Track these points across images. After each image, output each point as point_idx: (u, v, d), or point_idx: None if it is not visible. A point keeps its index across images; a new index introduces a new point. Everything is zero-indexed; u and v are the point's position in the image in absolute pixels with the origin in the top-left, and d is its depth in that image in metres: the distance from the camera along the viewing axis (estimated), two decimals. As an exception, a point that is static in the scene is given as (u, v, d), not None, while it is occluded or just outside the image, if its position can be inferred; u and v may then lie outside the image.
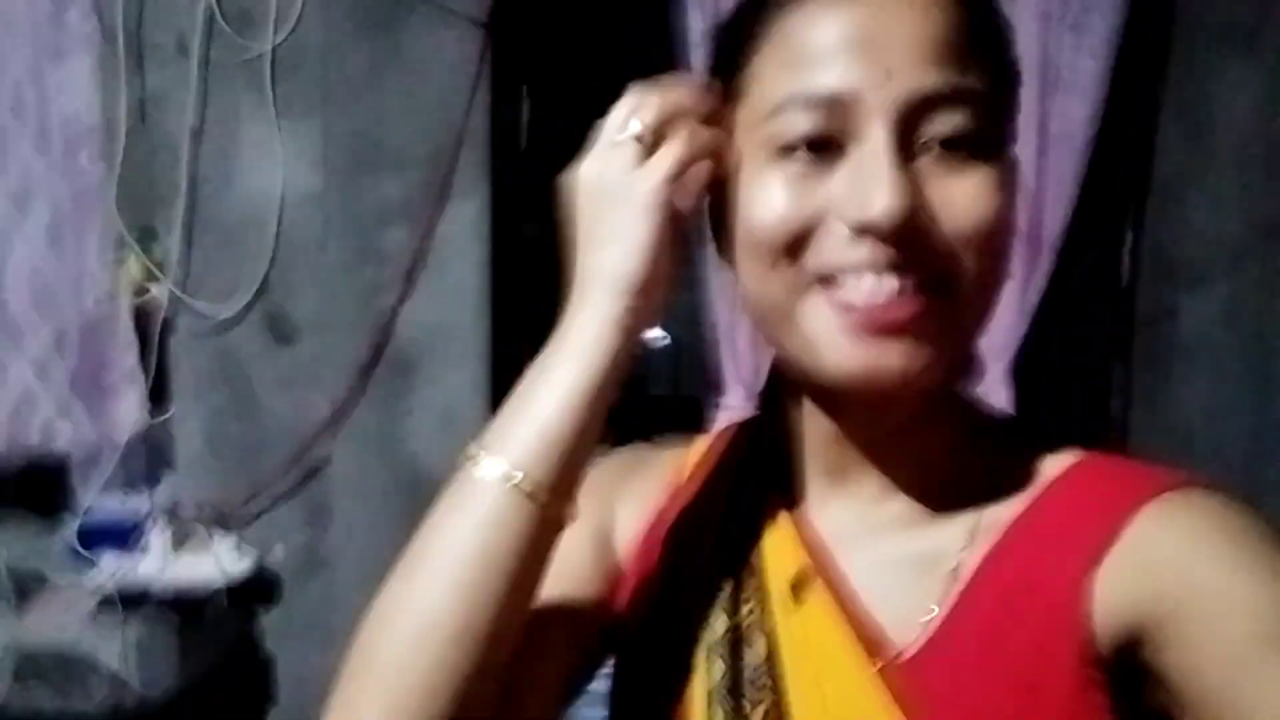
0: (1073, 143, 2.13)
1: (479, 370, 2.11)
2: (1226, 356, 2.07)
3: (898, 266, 0.55)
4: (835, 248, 0.56)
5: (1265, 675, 0.47)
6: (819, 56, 0.56)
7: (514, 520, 0.59)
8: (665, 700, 0.66)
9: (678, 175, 0.60)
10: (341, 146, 2.08)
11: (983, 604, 0.58)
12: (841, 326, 0.56)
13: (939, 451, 0.64)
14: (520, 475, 0.59)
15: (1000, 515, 0.60)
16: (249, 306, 2.13)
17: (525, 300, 2.32)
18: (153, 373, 2.15)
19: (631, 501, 0.76)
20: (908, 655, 0.59)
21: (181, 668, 1.96)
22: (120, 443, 2.13)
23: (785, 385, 0.68)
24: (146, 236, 2.12)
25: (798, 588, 0.63)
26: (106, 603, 1.95)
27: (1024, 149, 2.14)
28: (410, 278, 2.06)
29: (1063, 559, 0.55)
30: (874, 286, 0.55)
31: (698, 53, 2.10)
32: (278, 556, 2.21)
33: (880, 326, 0.55)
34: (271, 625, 2.24)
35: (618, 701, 0.71)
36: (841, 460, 0.65)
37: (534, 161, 2.30)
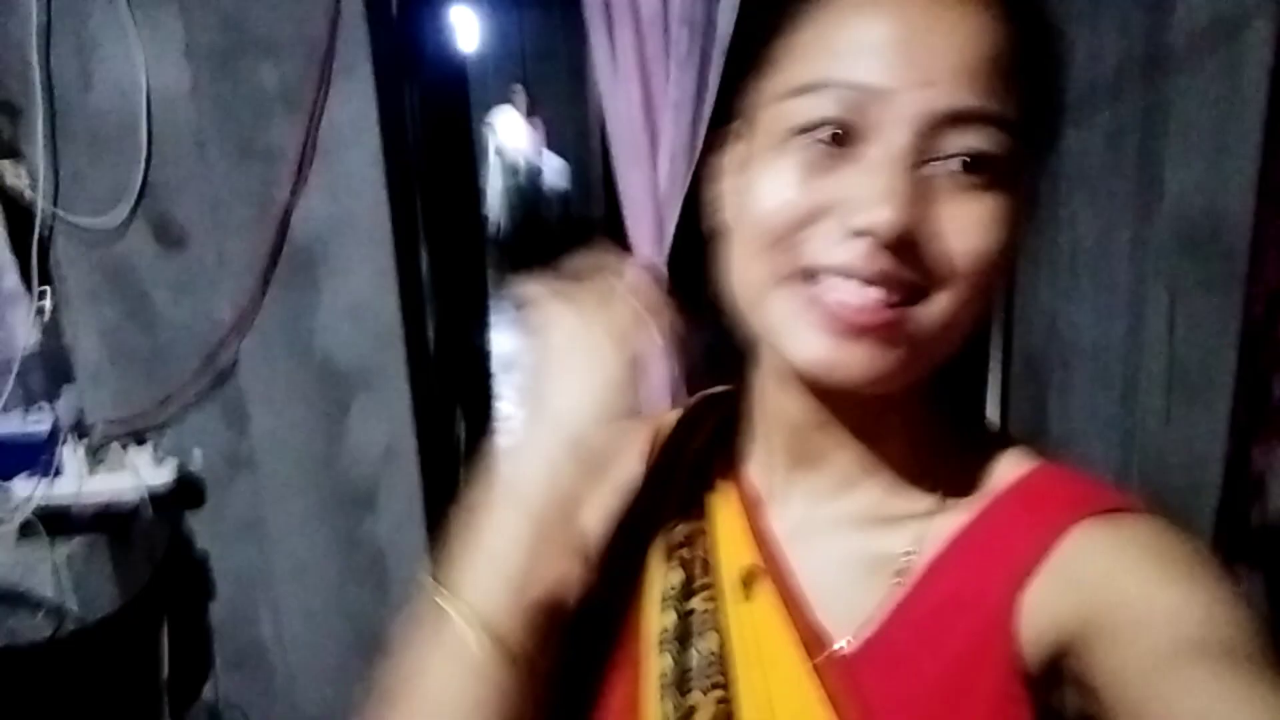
0: None
1: (384, 259, 2.07)
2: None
3: (884, 277, 0.54)
4: (827, 245, 0.55)
5: (1186, 681, 0.48)
6: (860, 47, 0.54)
7: (494, 672, 0.60)
8: (613, 692, 0.67)
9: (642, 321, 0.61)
10: (206, 34, 1.96)
11: (921, 610, 0.60)
12: (811, 321, 0.56)
13: (905, 451, 0.65)
14: (493, 625, 0.60)
15: (950, 523, 0.62)
16: (132, 214, 2.03)
17: (422, 183, 2.27)
18: (38, 289, 2.06)
19: (601, 488, 0.77)
20: (846, 653, 0.61)
21: (117, 584, 1.95)
22: (14, 361, 2.06)
23: (758, 362, 0.68)
24: (6, 151, 1.99)
25: (748, 582, 0.65)
26: (28, 529, 1.92)
27: None
28: (301, 170, 1.98)
29: (995, 576, 0.57)
30: (853, 291, 0.55)
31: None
32: (197, 462, 2.20)
33: (849, 328, 0.55)
34: (201, 527, 2.24)
35: (566, 692, 0.70)
36: (804, 447, 0.66)
37: (410, 34, 2.20)
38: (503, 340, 6.42)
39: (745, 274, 0.60)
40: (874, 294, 0.54)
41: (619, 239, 2.27)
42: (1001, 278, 0.57)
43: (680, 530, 0.71)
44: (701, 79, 2.19)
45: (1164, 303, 2.14)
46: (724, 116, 0.66)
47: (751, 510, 0.69)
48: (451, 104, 4.26)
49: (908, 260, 0.54)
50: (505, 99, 8.82)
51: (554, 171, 9.11)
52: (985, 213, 0.55)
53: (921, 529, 0.62)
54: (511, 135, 8.73)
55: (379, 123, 2.00)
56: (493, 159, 8.57)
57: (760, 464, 0.71)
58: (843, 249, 0.55)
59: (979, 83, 0.53)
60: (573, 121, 9.82)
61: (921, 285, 0.55)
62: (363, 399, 2.15)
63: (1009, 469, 0.63)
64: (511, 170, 8.74)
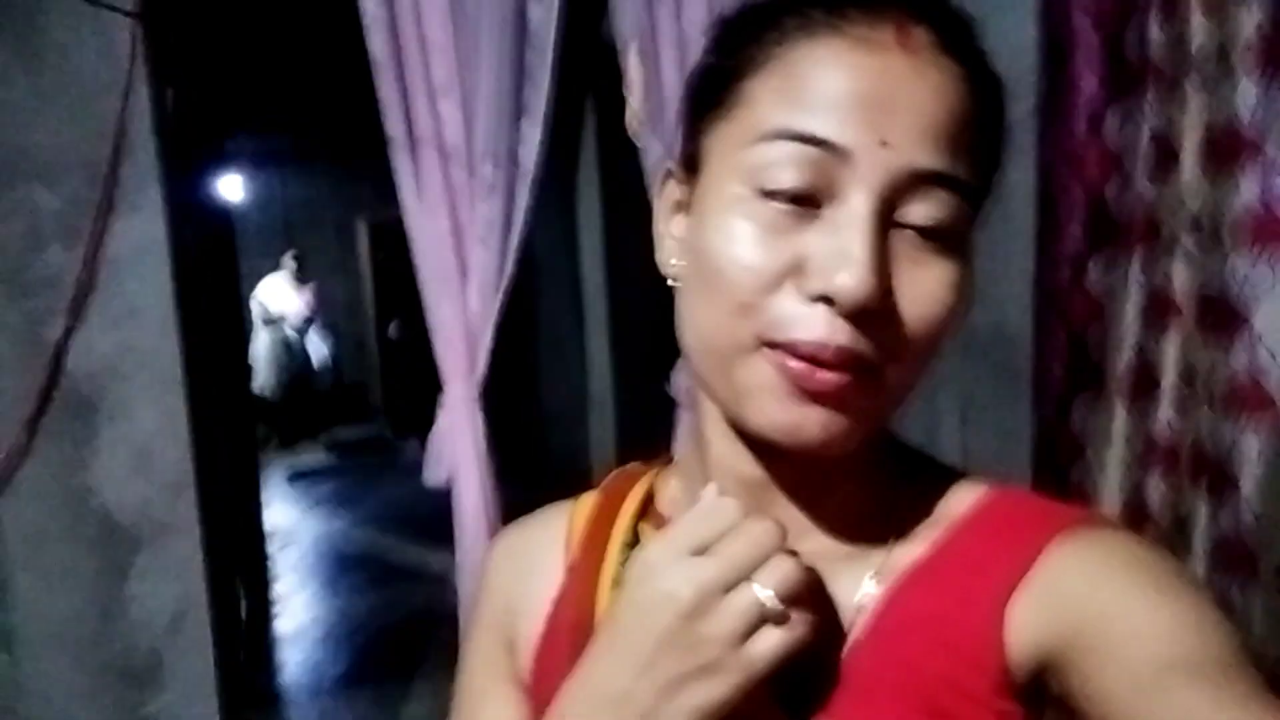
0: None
1: (173, 400, 1.89)
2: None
3: (844, 355, 0.54)
4: (791, 308, 0.54)
5: (1172, 700, 0.48)
6: (820, 101, 0.54)
7: None
8: None
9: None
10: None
11: (892, 637, 0.59)
12: (778, 386, 0.55)
13: (857, 493, 0.65)
14: None
15: (910, 552, 0.62)
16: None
17: (217, 316, 2.11)
18: None
19: (528, 594, 0.73)
20: (820, 695, 0.59)
21: None
22: None
23: (704, 417, 0.66)
24: None
25: None
26: None
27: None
28: (79, 304, 1.80)
29: (975, 593, 0.57)
30: (813, 350, 0.54)
31: (375, 37, 2.02)
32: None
33: (809, 393, 0.55)
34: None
35: None
36: (754, 500, 0.63)
37: (206, 161, 2.10)
38: (275, 514, 6.07)
39: (708, 337, 0.59)
40: (835, 353, 0.54)
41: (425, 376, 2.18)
42: (946, 341, 0.58)
43: None
44: (508, 209, 2.20)
45: (956, 411, 2.27)
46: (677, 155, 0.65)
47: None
48: (222, 262, 4.11)
49: (867, 328, 0.54)
50: (271, 266, 8.60)
51: (320, 340, 8.89)
52: (940, 279, 0.55)
53: (882, 560, 0.62)
54: (280, 301, 8.48)
55: (169, 250, 1.86)
56: (259, 326, 8.25)
57: None
58: (806, 311, 0.54)
59: (936, 145, 0.54)
60: (342, 288, 9.71)
61: (877, 349, 0.54)
62: (146, 559, 1.92)
63: (963, 496, 0.63)
64: (280, 339, 8.44)
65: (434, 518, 4.79)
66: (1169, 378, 1.61)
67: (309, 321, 8.81)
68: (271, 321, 8.41)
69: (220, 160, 4.15)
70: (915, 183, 0.53)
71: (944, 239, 0.55)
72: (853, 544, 0.64)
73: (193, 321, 1.99)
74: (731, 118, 0.58)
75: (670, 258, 0.64)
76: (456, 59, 2.11)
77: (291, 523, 6.13)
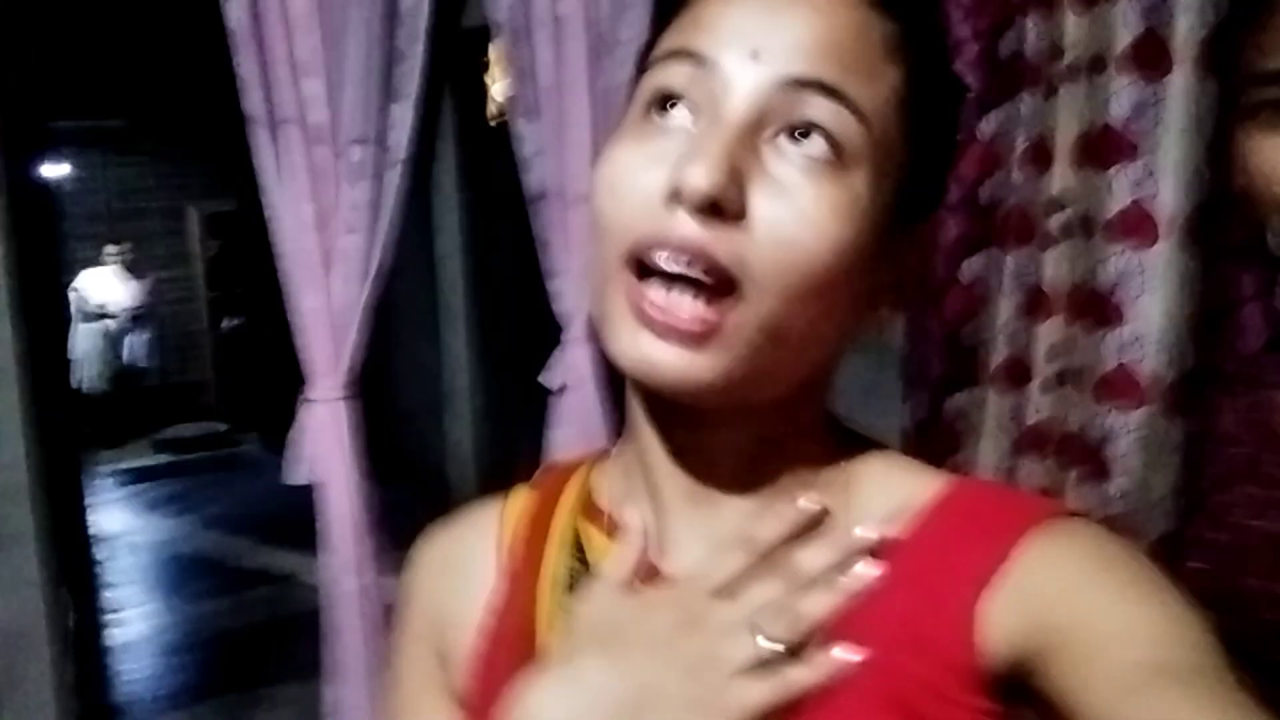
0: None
1: (6, 399, 1.73)
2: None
3: (693, 250, 0.51)
4: (648, 214, 0.53)
5: (1148, 702, 0.48)
6: (700, 23, 0.55)
7: None
8: None
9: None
10: None
11: (861, 637, 0.56)
12: (632, 317, 0.54)
13: (799, 478, 0.62)
14: None
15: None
16: None
17: (44, 308, 1.95)
18: None
19: (460, 603, 0.69)
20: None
21: None
22: None
23: (637, 402, 0.63)
24: None
25: None
26: None
27: (578, 115, 2.22)
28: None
29: (947, 590, 0.55)
30: (665, 292, 0.52)
31: (234, 7, 1.91)
32: None
33: (660, 328, 0.53)
34: None
35: None
36: (693, 488, 0.62)
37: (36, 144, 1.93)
38: (103, 518, 5.70)
39: (591, 278, 0.58)
40: (686, 292, 0.52)
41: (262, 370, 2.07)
42: (833, 283, 0.53)
43: (567, 604, 0.64)
44: (377, 194, 2.12)
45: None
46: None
47: (644, 564, 0.62)
48: (46, 251, 3.81)
49: (724, 239, 0.51)
50: (94, 255, 8.09)
51: (146, 335, 8.42)
52: (815, 199, 0.52)
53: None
54: (103, 293, 7.98)
55: (6, 237, 1.70)
56: (78, 320, 7.75)
57: (648, 512, 0.64)
58: (660, 218, 0.52)
59: (819, 57, 0.53)
60: (170, 279, 9.21)
61: (737, 272, 0.51)
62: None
63: (923, 487, 0.61)
64: (102, 333, 7.95)
65: (278, 519, 4.62)
66: (1041, 368, 1.66)
67: (137, 317, 8.33)
68: (94, 315, 7.92)
69: (46, 143, 3.85)
70: (791, 91, 0.52)
71: (826, 156, 0.52)
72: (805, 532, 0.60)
73: (25, 314, 1.83)
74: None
75: None
76: (322, 35, 2.01)
77: (122, 527, 5.76)
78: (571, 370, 2.26)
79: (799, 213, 0.51)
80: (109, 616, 4.27)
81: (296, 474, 2.22)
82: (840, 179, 0.52)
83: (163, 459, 7.66)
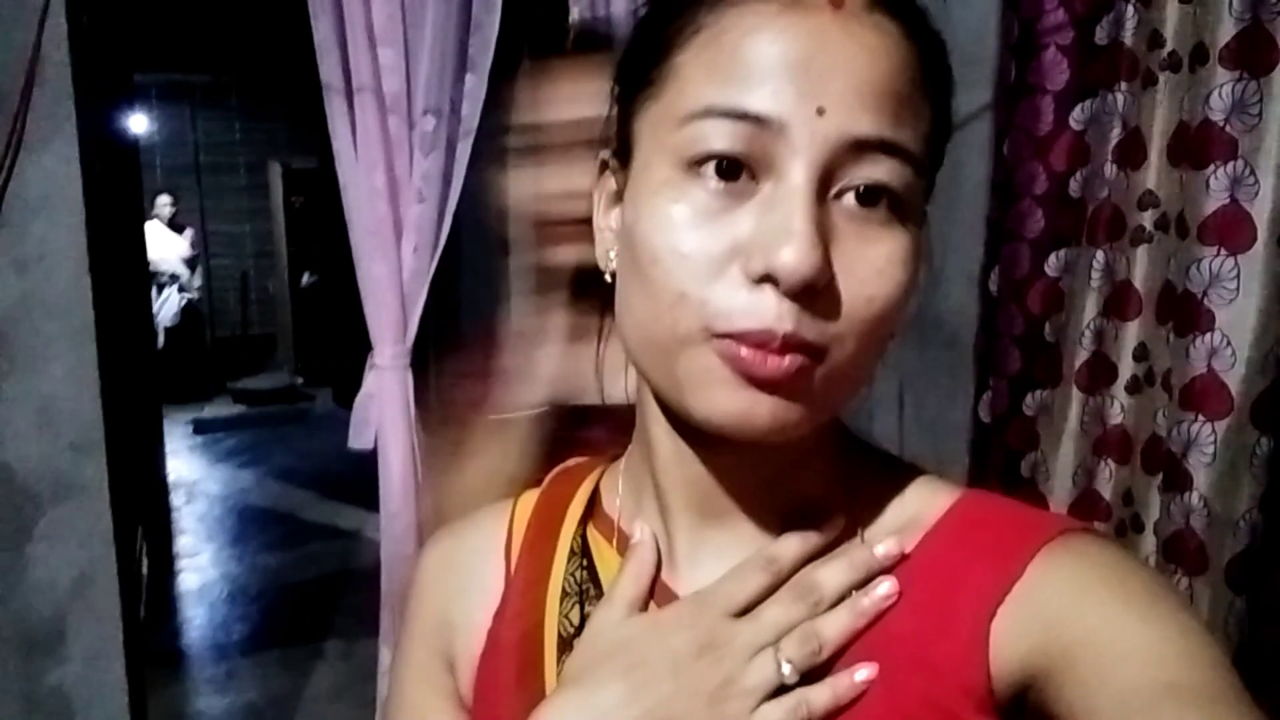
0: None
1: (83, 350, 1.77)
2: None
3: (789, 341, 0.50)
4: (733, 296, 0.51)
5: None
6: (750, 72, 0.50)
7: None
8: None
9: None
10: None
11: (870, 653, 0.55)
12: (721, 377, 0.52)
13: (815, 493, 0.61)
14: None
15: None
16: None
17: (126, 263, 1.99)
18: None
19: (465, 608, 0.68)
20: None
21: None
22: None
23: (650, 419, 0.61)
24: None
25: None
26: None
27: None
28: (-19, 243, 1.67)
29: (956, 607, 0.54)
30: (760, 339, 0.50)
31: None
32: None
33: (756, 380, 0.51)
34: None
35: None
36: (710, 503, 0.60)
37: (118, 96, 1.96)
38: (179, 466, 5.88)
39: (648, 329, 0.55)
40: (779, 338, 0.50)
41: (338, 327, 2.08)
42: (898, 320, 0.54)
43: (574, 616, 0.64)
44: (449, 165, 2.11)
45: (894, 393, 2.27)
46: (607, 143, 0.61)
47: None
48: (130, 205, 3.90)
49: (813, 307, 0.50)
50: (170, 213, 8.27)
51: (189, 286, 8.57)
52: (886, 253, 0.52)
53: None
54: (159, 248, 8.16)
55: (82, 191, 1.73)
56: (165, 269, 7.96)
57: (657, 526, 0.63)
58: (746, 294, 0.50)
59: (878, 109, 0.50)
60: (252, 233, 9.41)
61: (822, 330, 0.51)
62: (51, 520, 1.80)
63: (931, 499, 0.60)
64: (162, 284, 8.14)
65: (346, 474, 4.70)
66: (1127, 370, 1.61)
67: (191, 268, 8.52)
68: (183, 267, 8.14)
69: (129, 96, 3.93)
70: (855, 151, 0.50)
71: (890, 210, 0.52)
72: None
73: (104, 269, 1.87)
74: (661, 97, 0.54)
75: (609, 250, 0.61)
76: (399, 3, 2.01)
77: (196, 476, 5.93)
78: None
79: (876, 270, 0.52)
80: (180, 563, 4.41)
81: (362, 438, 2.25)
82: (902, 226, 0.53)
83: (237, 410, 7.86)
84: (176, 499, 5.32)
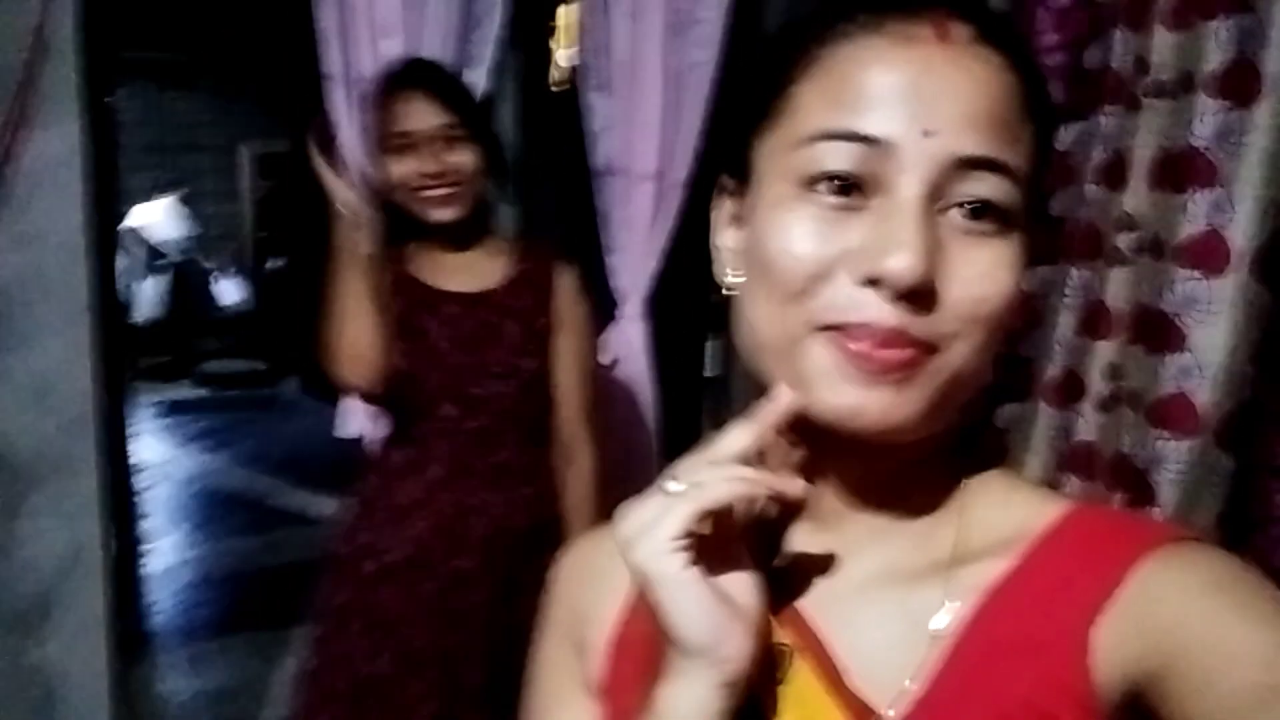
0: (698, 83, 2.25)
1: (79, 328, 1.78)
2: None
3: (896, 337, 0.54)
4: (843, 295, 0.55)
5: None
6: (863, 99, 0.55)
7: None
8: None
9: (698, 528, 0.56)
10: None
11: (972, 664, 0.57)
12: (838, 369, 0.55)
13: (922, 500, 0.63)
14: None
15: (987, 570, 0.60)
16: None
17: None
18: None
19: (597, 601, 0.71)
20: None
21: None
22: None
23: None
24: None
25: (779, 662, 0.61)
26: None
27: (650, 92, 2.23)
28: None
29: (1060, 615, 0.56)
30: (874, 331, 0.54)
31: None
32: None
33: (873, 368, 0.55)
34: None
35: None
36: (820, 508, 0.63)
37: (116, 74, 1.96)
38: (143, 448, 5.82)
39: (763, 331, 0.59)
40: (893, 331, 0.54)
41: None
42: (1008, 323, 0.57)
43: None
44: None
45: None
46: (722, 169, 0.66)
47: (771, 583, 0.63)
48: (110, 185, 3.87)
49: (922, 312, 0.54)
50: (145, 189, 8.18)
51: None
52: (992, 260, 0.56)
53: (957, 579, 0.60)
54: (161, 228, 8.09)
55: (82, 168, 1.74)
56: (135, 251, 7.86)
57: (770, 532, 0.66)
58: (859, 297, 0.55)
59: (982, 131, 0.55)
60: (220, 217, 9.31)
61: (933, 333, 0.55)
62: (40, 497, 1.80)
63: (1041, 511, 0.62)
64: (159, 263, 8.06)
65: (315, 461, 4.68)
66: (1096, 387, 1.66)
67: (187, 251, 8.45)
68: (153, 250, 8.05)
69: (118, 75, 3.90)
70: (960, 169, 0.54)
71: (996, 221, 0.56)
72: (921, 559, 0.62)
73: (100, 247, 1.88)
74: (779, 126, 0.59)
75: (726, 269, 0.65)
76: (403, -1, 2.03)
77: (162, 459, 5.87)
78: (625, 345, 2.28)
79: (981, 274, 0.55)
80: (146, 546, 4.37)
81: (347, 428, 2.28)
82: (1006, 236, 0.56)
83: (203, 393, 7.79)
84: (143, 481, 5.28)
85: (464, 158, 1.70)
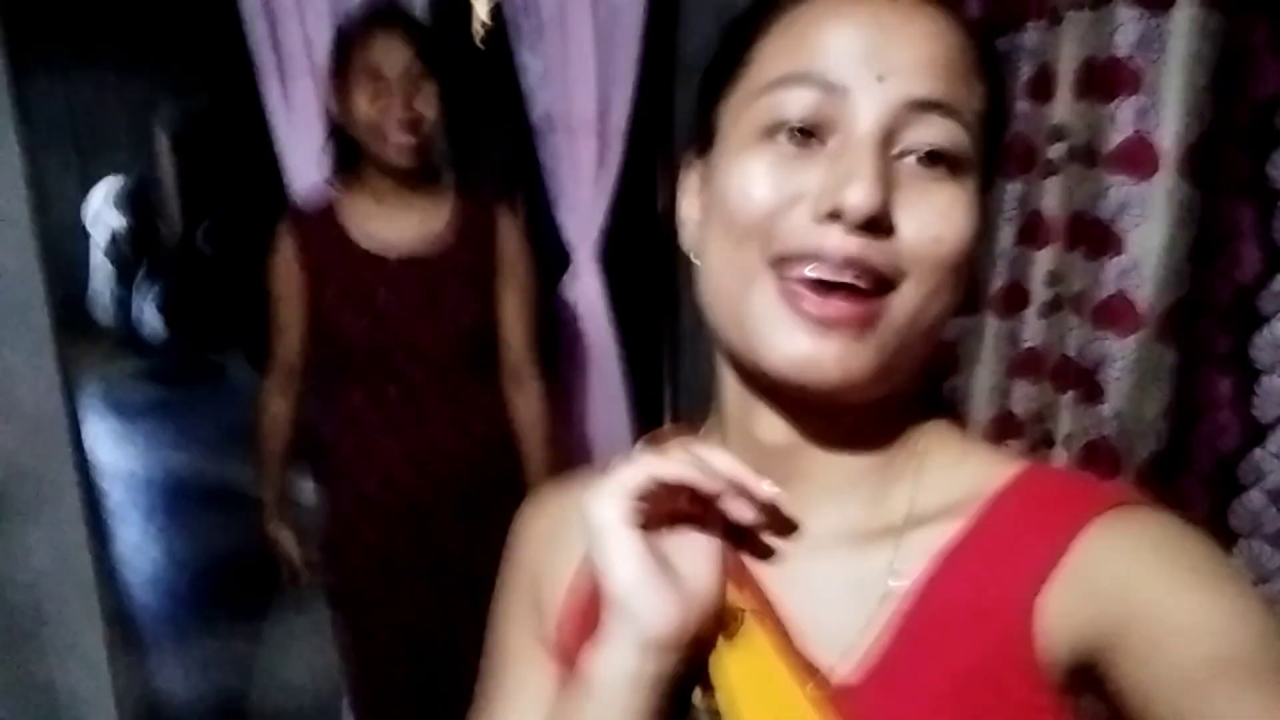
0: (628, 30, 2.25)
1: (37, 331, 1.75)
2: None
3: (854, 263, 0.55)
4: (799, 230, 0.56)
5: (1215, 697, 0.47)
6: (820, 48, 0.57)
7: None
8: None
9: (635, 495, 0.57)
10: None
11: (926, 626, 0.57)
12: (788, 315, 0.56)
13: (877, 460, 0.63)
14: None
15: (940, 531, 0.60)
16: None
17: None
18: None
19: (554, 561, 0.73)
20: (850, 683, 0.58)
21: None
22: None
23: (724, 388, 0.66)
24: None
25: (731, 624, 0.62)
26: None
27: (581, 42, 2.23)
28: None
29: (1007, 581, 0.56)
30: (826, 275, 0.55)
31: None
32: None
33: (823, 319, 0.55)
34: None
35: None
36: (776, 470, 0.61)
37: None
38: (100, 449, 5.70)
39: (721, 278, 0.60)
40: (847, 279, 0.55)
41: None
42: (963, 272, 0.58)
43: None
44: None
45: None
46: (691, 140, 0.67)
47: (725, 546, 0.64)
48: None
49: (875, 248, 0.55)
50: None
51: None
52: (950, 201, 0.57)
53: (909, 540, 0.61)
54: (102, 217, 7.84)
55: (21, 152, 1.70)
56: (98, 234, 7.65)
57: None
58: (815, 233, 0.55)
59: (934, 76, 0.56)
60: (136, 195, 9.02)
61: (889, 276, 0.56)
62: (17, 508, 1.80)
63: (994, 472, 0.62)
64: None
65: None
66: (1039, 294, 1.73)
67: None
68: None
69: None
70: (913, 111, 0.56)
71: (949, 166, 0.57)
72: (876, 520, 0.62)
73: (48, 237, 1.83)
74: (739, 86, 0.61)
75: (690, 238, 0.66)
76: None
77: (107, 448, 5.77)
78: (582, 296, 2.32)
79: (939, 214, 0.56)
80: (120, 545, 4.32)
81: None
82: (960, 181, 0.57)
83: (146, 377, 7.64)
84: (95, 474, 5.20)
85: (430, 103, 1.71)
